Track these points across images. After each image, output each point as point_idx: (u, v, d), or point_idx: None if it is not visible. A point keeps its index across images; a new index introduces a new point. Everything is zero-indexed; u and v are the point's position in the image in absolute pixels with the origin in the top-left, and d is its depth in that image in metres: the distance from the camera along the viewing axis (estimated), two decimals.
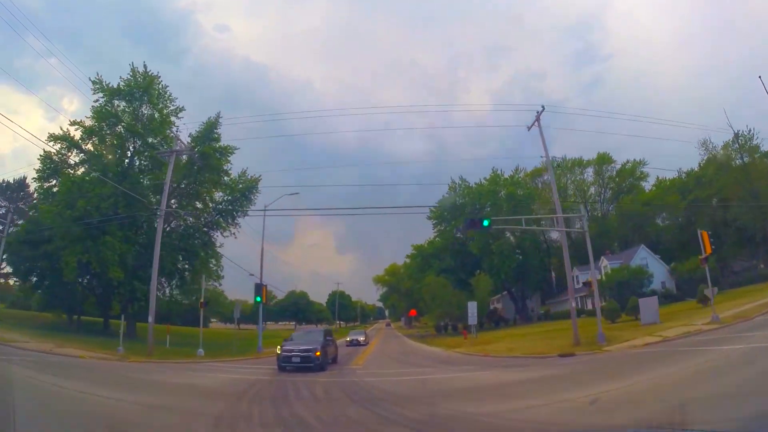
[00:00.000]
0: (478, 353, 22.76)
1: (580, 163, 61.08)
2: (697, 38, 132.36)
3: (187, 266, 34.45)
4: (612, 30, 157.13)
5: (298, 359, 14.31)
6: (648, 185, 59.97)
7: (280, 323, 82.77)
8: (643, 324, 24.64)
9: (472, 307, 28.29)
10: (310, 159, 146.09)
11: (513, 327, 46.32)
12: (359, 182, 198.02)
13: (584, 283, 23.88)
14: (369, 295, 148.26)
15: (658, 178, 61.13)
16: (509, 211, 49.19)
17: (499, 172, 49.86)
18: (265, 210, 30.39)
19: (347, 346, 31.29)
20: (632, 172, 62.00)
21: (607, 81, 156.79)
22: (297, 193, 29.99)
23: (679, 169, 60.74)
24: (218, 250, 37.24)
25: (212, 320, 74.43)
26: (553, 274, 50.88)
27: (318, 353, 14.49)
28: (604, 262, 44.68)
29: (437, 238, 53.10)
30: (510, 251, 45.94)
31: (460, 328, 57.21)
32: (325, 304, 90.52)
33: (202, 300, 26.08)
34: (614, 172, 63.12)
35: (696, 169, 57.96)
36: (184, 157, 33.96)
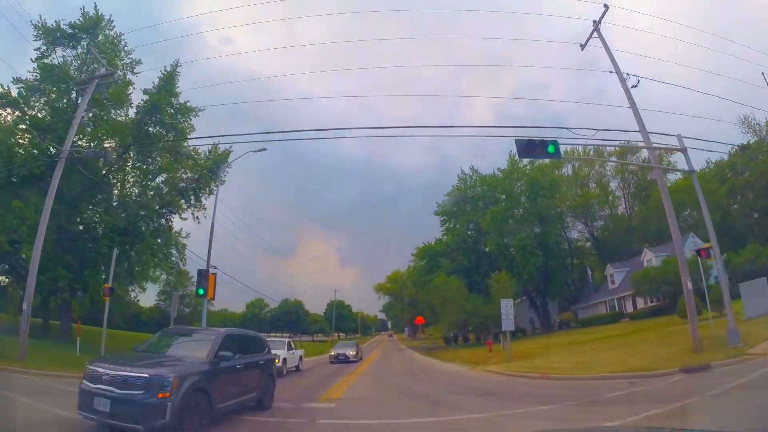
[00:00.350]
0: (529, 373, 14.03)
1: (600, 153, 52.62)
2: (697, 47, 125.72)
3: (132, 254, 25.77)
4: (613, 41, 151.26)
5: (106, 403, 4.91)
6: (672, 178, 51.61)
7: (272, 334, 72.97)
8: (749, 317, 17.48)
9: (507, 306, 19.26)
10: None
11: (536, 337, 37.07)
12: (363, 192, 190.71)
13: (697, 251, 15.41)
14: (372, 307, 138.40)
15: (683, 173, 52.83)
16: (530, 202, 40.66)
17: (517, 158, 41.28)
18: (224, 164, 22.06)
19: (331, 363, 22.58)
20: (658, 162, 53.34)
21: (609, 92, 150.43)
22: (264, 150, 21.86)
23: (708, 159, 53.29)
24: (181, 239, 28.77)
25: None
26: (590, 271, 41.51)
27: (164, 394, 4.98)
28: (647, 255, 35.86)
29: (445, 237, 44.29)
30: (532, 247, 37.13)
31: (473, 339, 47.96)
32: (323, 315, 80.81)
33: (107, 285, 17.71)
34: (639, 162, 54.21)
35: (725, 158, 51.18)
36: (132, 114, 26.13)
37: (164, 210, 27.83)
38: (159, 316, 59.90)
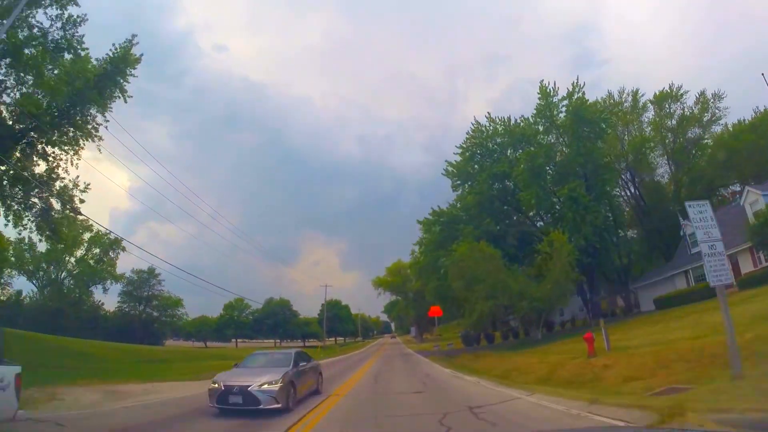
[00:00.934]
0: None
1: (635, 101, 40.12)
2: (692, 38, 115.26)
3: None
4: (608, 35, 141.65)
5: None
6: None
7: (256, 340, 59.40)
8: None
9: (705, 219, 6.16)
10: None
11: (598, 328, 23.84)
12: (362, 194, 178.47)
13: None
14: (375, 310, 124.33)
15: (726, 125, 40.48)
16: (572, 146, 28.13)
17: (550, 89, 28.90)
18: None
19: (215, 410, 7.44)
20: (699, 118, 40.44)
21: (605, 86, 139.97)
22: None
23: (755, 108, 41.41)
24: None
25: (174, 338, 51.98)
26: (682, 220, 27.67)
27: None
28: (751, 196, 23.14)
29: (460, 204, 31.55)
30: (588, 200, 24.51)
31: (499, 338, 35.00)
32: (317, 316, 67.22)
33: None
34: (675, 120, 41.38)
35: None
36: None
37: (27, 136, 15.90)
38: (121, 321, 47.08)
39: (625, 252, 37.97)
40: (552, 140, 29.83)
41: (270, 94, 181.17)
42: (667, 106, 41.04)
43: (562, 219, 24.69)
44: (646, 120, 41.75)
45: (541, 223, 31.80)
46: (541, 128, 29.47)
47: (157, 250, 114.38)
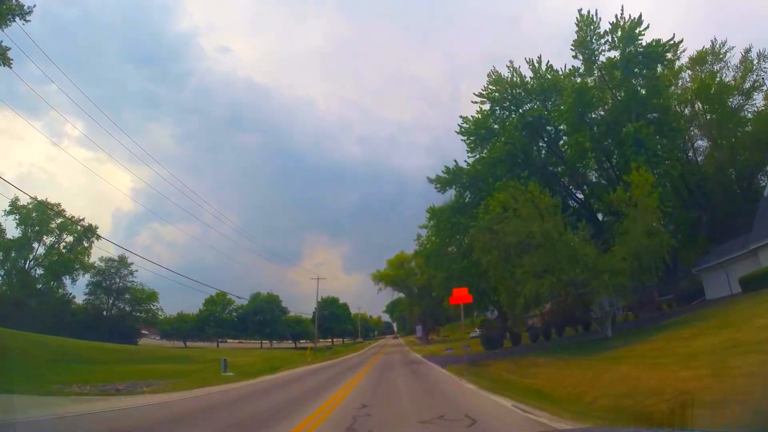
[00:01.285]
0: None
1: (672, 62, 33.15)
2: (692, 38, 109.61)
3: None
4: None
5: None
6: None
7: (241, 341, 51.81)
8: None
9: None
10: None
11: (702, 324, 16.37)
12: (363, 197, 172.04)
13: None
14: (378, 311, 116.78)
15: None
16: (629, 86, 21.29)
17: (592, 16, 22.17)
18: None
19: None
20: (740, 85, 33.14)
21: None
22: None
23: None
24: None
25: (147, 334, 44.69)
26: None
27: None
28: None
29: (479, 165, 24.54)
30: (656, 146, 17.61)
31: (526, 338, 27.75)
32: (313, 313, 59.71)
33: None
34: (715, 85, 34.03)
35: None
36: None
37: None
38: (89, 316, 39.97)
39: (673, 232, 31.08)
40: (595, 82, 23.11)
41: (273, 95, 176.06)
42: (709, 66, 34.33)
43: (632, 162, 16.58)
44: (685, 82, 34.97)
45: (580, 195, 25.04)
46: (581, 67, 22.70)
47: (161, 250, 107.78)
